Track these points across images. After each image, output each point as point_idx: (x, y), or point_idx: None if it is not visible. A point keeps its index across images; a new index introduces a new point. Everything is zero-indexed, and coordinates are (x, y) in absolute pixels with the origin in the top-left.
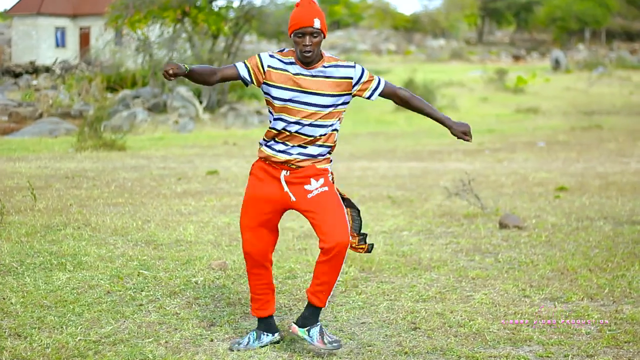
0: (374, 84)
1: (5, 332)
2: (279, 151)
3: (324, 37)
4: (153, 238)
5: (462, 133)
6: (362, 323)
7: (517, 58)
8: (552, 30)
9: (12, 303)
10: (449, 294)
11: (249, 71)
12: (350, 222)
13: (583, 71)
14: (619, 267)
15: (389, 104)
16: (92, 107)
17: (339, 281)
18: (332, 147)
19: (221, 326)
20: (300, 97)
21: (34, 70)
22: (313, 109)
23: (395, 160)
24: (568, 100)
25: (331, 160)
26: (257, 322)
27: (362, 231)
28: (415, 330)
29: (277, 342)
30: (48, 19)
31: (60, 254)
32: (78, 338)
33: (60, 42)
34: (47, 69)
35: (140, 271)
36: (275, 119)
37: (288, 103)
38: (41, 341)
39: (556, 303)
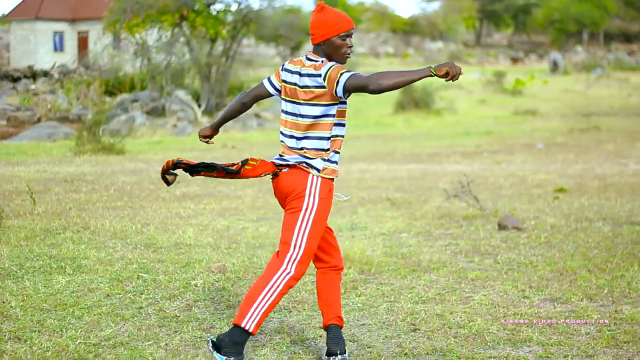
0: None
1: (5, 335)
2: (336, 162)
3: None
4: (152, 241)
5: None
6: (361, 325)
7: (515, 60)
8: (550, 32)
9: (12, 306)
10: (449, 295)
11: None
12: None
13: (581, 73)
14: (618, 268)
15: (389, 106)
16: (91, 111)
17: None
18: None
19: (221, 329)
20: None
21: (32, 74)
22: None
23: (394, 162)
24: (566, 102)
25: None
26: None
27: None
28: (415, 331)
29: None
30: (46, 23)
31: (60, 257)
32: (78, 341)
33: (59, 47)
34: (46, 73)
35: (140, 274)
36: (337, 125)
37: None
38: (41, 344)
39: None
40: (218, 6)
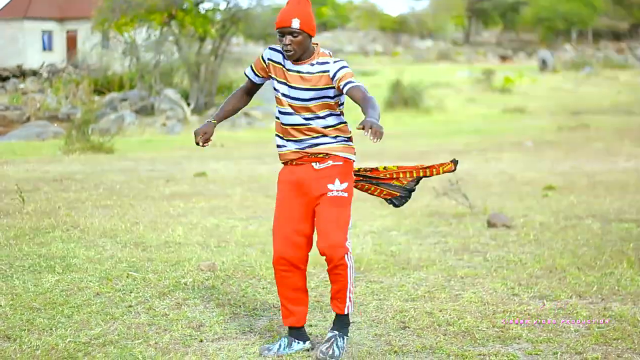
0: (348, 80)
1: None
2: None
3: (312, 36)
4: (142, 240)
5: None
6: (351, 322)
7: (504, 58)
8: (538, 31)
9: (1, 305)
10: (438, 293)
11: (253, 71)
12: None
13: (570, 71)
14: (607, 265)
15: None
16: (80, 110)
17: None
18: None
19: (210, 327)
20: (287, 90)
21: (21, 73)
22: (295, 103)
23: (384, 160)
24: (555, 100)
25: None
26: (288, 329)
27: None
28: (404, 329)
29: (308, 350)
30: (35, 22)
31: (49, 256)
32: (67, 340)
33: (47, 46)
34: (35, 73)
35: (130, 273)
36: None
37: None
38: (31, 343)
39: (545, 301)
40: (207, 5)
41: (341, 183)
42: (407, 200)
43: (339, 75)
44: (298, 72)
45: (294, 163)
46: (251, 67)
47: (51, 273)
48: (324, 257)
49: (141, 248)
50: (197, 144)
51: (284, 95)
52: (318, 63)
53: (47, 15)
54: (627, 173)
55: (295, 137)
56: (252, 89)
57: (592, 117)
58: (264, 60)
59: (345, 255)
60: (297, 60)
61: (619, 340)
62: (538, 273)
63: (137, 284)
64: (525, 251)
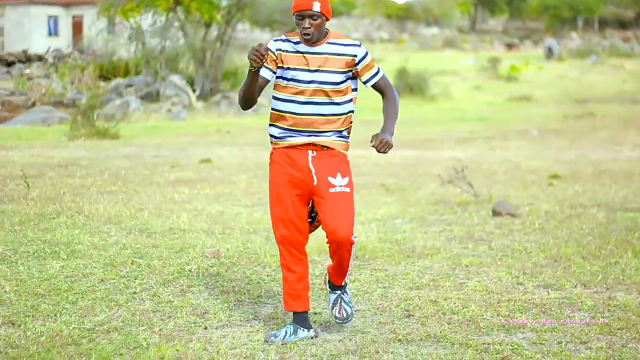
0: (374, 71)
1: None
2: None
3: (328, 19)
4: (146, 226)
5: (379, 142)
6: (355, 310)
7: (510, 46)
8: (545, 19)
9: (5, 291)
10: (443, 282)
11: (266, 68)
12: None
13: (576, 59)
14: (612, 255)
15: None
16: (85, 96)
17: None
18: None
19: (215, 314)
20: (313, 75)
21: (27, 59)
22: (319, 87)
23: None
24: (561, 89)
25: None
26: (293, 316)
27: None
28: (408, 317)
29: (313, 337)
30: (40, 7)
31: (54, 242)
32: (72, 326)
33: (53, 31)
34: (40, 58)
35: (134, 259)
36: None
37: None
38: (35, 329)
39: (549, 290)
40: None
41: (342, 178)
42: None
43: (365, 62)
44: (320, 53)
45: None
46: (265, 67)
47: (56, 259)
48: (329, 245)
49: (146, 234)
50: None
51: (301, 81)
52: (338, 44)
53: (53, 0)
54: (632, 162)
55: (301, 127)
56: (262, 87)
57: (598, 105)
58: (272, 54)
59: (352, 245)
60: (313, 43)
61: (623, 330)
62: (543, 262)
63: (141, 270)
64: (530, 240)
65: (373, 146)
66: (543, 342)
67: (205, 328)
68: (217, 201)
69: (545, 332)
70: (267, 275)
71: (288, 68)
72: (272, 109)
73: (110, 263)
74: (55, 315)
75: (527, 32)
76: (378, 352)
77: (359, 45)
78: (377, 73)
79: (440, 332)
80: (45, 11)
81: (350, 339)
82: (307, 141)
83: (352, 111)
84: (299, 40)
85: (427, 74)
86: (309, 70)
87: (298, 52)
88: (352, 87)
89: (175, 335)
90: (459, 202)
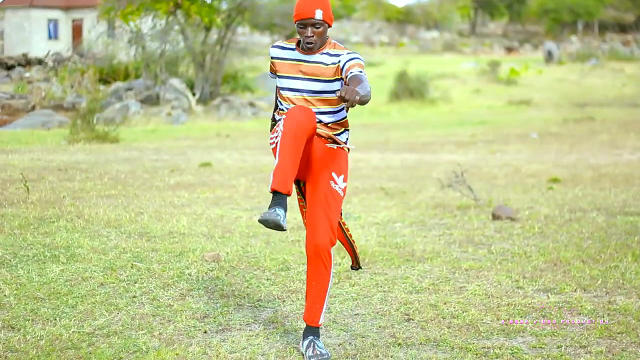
0: (356, 69)
1: None
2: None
3: (330, 26)
4: (146, 230)
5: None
6: (355, 314)
7: (509, 50)
8: (544, 22)
9: (5, 295)
10: (443, 286)
11: (274, 75)
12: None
13: (576, 63)
14: (611, 259)
15: (383, 95)
16: (85, 100)
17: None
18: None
19: (215, 318)
20: (301, 84)
21: (27, 62)
22: (314, 96)
23: (388, 151)
24: (561, 92)
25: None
26: (274, 197)
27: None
28: (408, 321)
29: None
30: (40, 11)
31: (54, 246)
32: (72, 330)
33: (53, 34)
34: (40, 61)
35: (134, 263)
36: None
37: (290, 92)
38: (35, 333)
39: (549, 294)
40: None
41: (344, 181)
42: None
43: (347, 65)
44: (316, 62)
45: None
46: (271, 73)
47: (55, 263)
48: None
49: (145, 238)
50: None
51: (297, 90)
52: (329, 54)
53: (53, 3)
54: (632, 166)
55: None
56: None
57: (598, 109)
58: (271, 57)
59: (328, 254)
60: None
61: (623, 334)
62: (542, 266)
63: (141, 274)
64: (529, 244)
65: (339, 96)
66: (543, 346)
67: (205, 332)
68: (216, 205)
69: (545, 336)
70: (267, 279)
71: (281, 76)
72: (273, 114)
73: (110, 267)
74: (55, 319)
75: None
76: (378, 356)
77: (347, 53)
78: (352, 71)
79: (440, 336)
80: (45, 15)
81: (350, 343)
82: None
83: (345, 117)
84: (294, 46)
85: (427, 78)
86: (300, 79)
87: (291, 59)
88: None
89: (175, 339)
90: (459, 206)
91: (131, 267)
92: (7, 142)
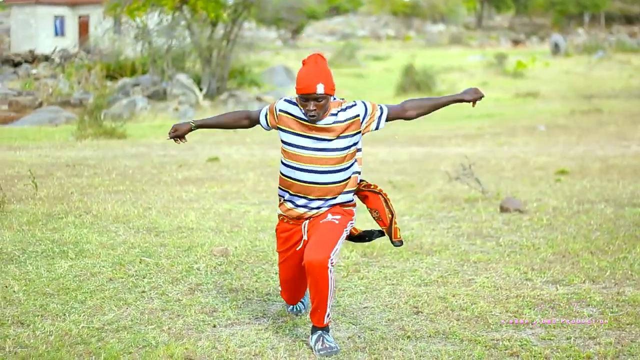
0: (377, 113)
1: (8, 320)
2: (300, 205)
3: (332, 96)
4: (154, 225)
5: (476, 97)
6: (364, 307)
7: (516, 42)
8: (551, 15)
9: (14, 291)
10: (451, 278)
11: (265, 117)
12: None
13: (582, 55)
14: (620, 250)
15: (390, 89)
16: (92, 96)
17: (340, 266)
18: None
19: (224, 312)
20: (311, 142)
21: (34, 59)
22: (324, 154)
23: (395, 145)
24: (568, 84)
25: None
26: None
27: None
28: (417, 314)
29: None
30: (47, 7)
31: (62, 241)
32: (81, 325)
33: (59, 31)
34: (47, 58)
35: (142, 258)
36: (286, 166)
37: (297, 149)
38: (44, 329)
39: (558, 286)
40: None
41: (333, 215)
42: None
43: (368, 116)
44: (324, 127)
45: (290, 223)
46: (266, 114)
47: (64, 259)
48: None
49: (154, 233)
50: (169, 135)
51: (304, 148)
52: (341, 110)
53: (59, 0)
54: (639, 157)
55: (307, 194)
56: (255, 122)
57: (605, 101)
58: (274, 112)
59: (328, 271)
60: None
61: (632, 325)
62: (551, 258)
63: (150, 269)
64: (538, 236)
65: (473, 100)
66: (552, 337)
67: (214, 326)
68: (224, 199)
69: (554, 327)
70: (276, 273)
71: (287, 131)
72: (280, 172)
73: (119, 262)
74: (64, 315)
75: (534, 28)
76: (387, 349)
77: (356, 104)
78: (381, 113)
79: (449, 329)
80: (51, 11)
81: (359, 336)
82: (302, 213)
83: (359, 172)
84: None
85: (433, 71)
86: (308, 137)
87: (300, 118)
88: (357, 148)
89: (184, 333)
90: (467, 199)
91: (140, 262)
92: (14, 138)
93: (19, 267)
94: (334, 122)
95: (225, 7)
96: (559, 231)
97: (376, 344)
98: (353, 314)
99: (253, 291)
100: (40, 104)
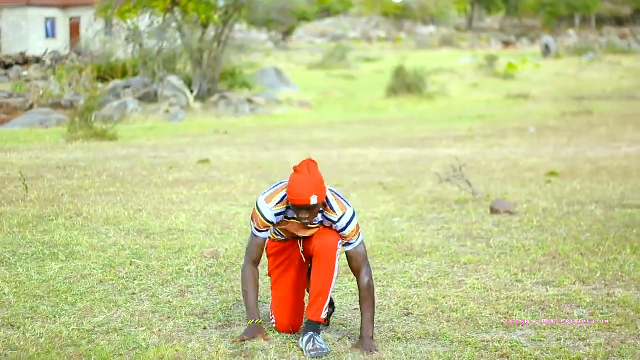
0: (353, 239)
1: None
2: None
3: (324, 203)
4: (145, 227)
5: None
6: (355, 309)
7: (507, 44)
8: (541, 16)
9: (5, 293)
10: (441, 280)
11: (260, 231)
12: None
13: (573, 57)
14: (610, 251)
15: (381, 90)
16: (83, 98)
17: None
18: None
19: (214, 314)
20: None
21: (24, 61)
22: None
23: (386, 146)
24: (558, 86)
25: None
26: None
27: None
28: (408, 315)
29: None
30: (38, 9)
31: (53, 244)
32: (71, 327)
33: (50, 33)
34: (38, 60)
35: (133, 260)
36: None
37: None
38: (35, 331)
39: (548, 287)
40: None
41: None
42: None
43: (347, 231)
44: (314, 224)
45: (282, 241)
46: (256, 229)
47: (55, 261)
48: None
49: (144, 235)
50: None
51: (294, 237)
52: (328, 218)
53: (50, 2)
54: (630, 159)
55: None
56: (260, 253)
57: (595, 102)
58: (267, 220)
59: (336, 252)
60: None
61: (622, 327)
62: (541, 259)
63: (140, 271)
64: (528, 237)
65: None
66: (542, 339)
67: (205, 328)
68: (215, 201)
69: (544, 329)
70: (265, 275)
71: (286, 230)
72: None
73: (109, 264)
74: (55, 317)
75: (524, 30)
76: (377, 351)
77: (342, 216)
78: (355, 241)
79: (440, 330)
80: (42, 13)
81: (349, 338)
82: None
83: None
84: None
85: (424, 73)
86: (301, 237)
87: (295, 219)
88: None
89: (174, 335)
90: (457, 200)
91: (130, 264)
92: (5, 140)
93: (9, 269)
94: (320, 222)
95: (216, 8)
96: (549, 233)
97: None
98: (344, 315)
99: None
100: (31, 106)
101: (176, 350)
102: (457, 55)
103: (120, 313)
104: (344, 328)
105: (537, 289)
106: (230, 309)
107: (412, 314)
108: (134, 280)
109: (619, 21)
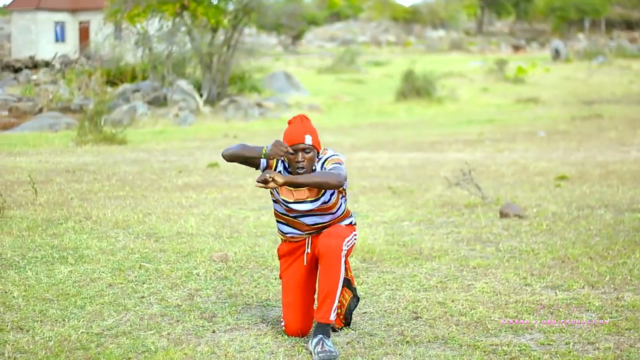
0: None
1: (7, 325)
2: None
3: (318, 152)
4: (154, 231)
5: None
6: (363, 313)
7: (516, 48)
8: (551, 20)
9: (14, 297)
10: (450, 283)
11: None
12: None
13: (583, 61)
14: (619, 255)
15: (390, 94)
16: (92, 102)
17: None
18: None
19: (223, 317)
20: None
21: (34, 65)
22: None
23: (395, 151)
24: (568, 90)
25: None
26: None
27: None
28: (416, 319)
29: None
30: (47, 13)
31: (62, 247)
32: (80, 331)
33: (60, 37)
34: (47, 64)
35: (142, 264)
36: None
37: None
38: (43, 334)
39: (557, 291)
40: None
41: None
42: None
43: (325, 164)
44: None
45: (293, 242)
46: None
47: (64, 264)
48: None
49: (153, 239)
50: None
51: (291, 205)
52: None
53: (60, 6)
54: (639, 163)
55: (304, 230)
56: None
57: (605, 106)
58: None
59: (341, 253)
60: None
61: (631, 330)
62: (550, 263)
63: (149, 275)
64: (537, 241)
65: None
66: (551, 342)
67: (213, 332)
68: (224, 205)
69: (553, 333)
70: (275, 279)
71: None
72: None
73: (118, 268)
74: (64, 320)
75: (534, 34)
76: (386, 354)
77: (325, 158)
78: (334, 165)
79: (448, 334)
80: (52, 17)
81: (358, 341)
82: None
83: (344, 211)
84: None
85: (433, 77)
86: (296, 202)
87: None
88: (343, 189)
89: (183, 339)
90: (467, 204)
91: (139, 268)
92: (14, 144)
93: (19, 272)
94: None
95: (225, 13)
96: (559, 236)
97: (375, 349)
98: (352, 319)
99: (252, 297)
100: (41, 110)
101: (185, 354)
102: (467, 59)
103: (129, 316)
104: (352, 332)
105: (546, 292)
106: (239, 313)
107: (421, 318)
108: (143, 283)
109: (629, 25)
